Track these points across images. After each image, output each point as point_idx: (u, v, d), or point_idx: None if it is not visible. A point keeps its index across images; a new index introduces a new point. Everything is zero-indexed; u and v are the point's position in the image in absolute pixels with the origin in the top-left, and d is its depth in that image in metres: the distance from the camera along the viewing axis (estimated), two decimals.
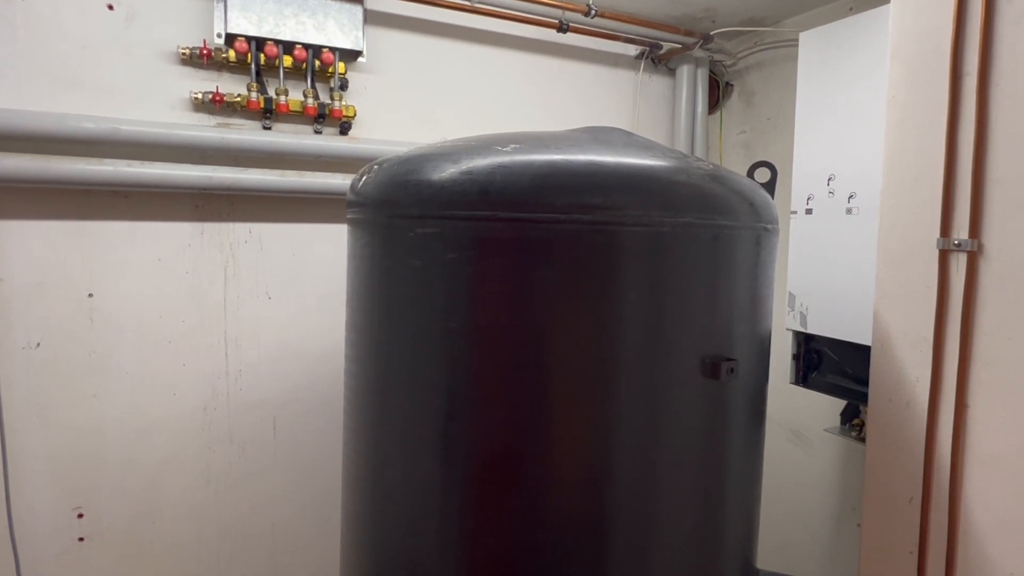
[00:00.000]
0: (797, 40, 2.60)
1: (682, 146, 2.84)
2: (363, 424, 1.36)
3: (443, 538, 1.20)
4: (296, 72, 2.08)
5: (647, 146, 1.28)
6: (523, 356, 1.13)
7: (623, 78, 2.79)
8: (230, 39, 1.95)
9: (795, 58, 2.69)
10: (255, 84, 1.99)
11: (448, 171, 1.15)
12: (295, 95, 2.07)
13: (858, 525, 2.50)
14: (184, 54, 1.93)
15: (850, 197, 1.98)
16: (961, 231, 1.16)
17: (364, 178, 1.31)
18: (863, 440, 2.29)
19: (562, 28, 2.43)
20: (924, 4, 1.21)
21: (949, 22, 1.16)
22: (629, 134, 1.37)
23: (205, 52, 1.92)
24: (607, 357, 1.13)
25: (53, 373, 1.91)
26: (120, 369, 1.99)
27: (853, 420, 2.33)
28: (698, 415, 1.21)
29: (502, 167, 1.11)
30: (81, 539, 1.99)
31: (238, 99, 1.98)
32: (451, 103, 2.41)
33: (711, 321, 1.20)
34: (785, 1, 2.51)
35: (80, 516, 1.98)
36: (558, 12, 2.40)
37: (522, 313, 1.12)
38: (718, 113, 3.01)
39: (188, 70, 1.98)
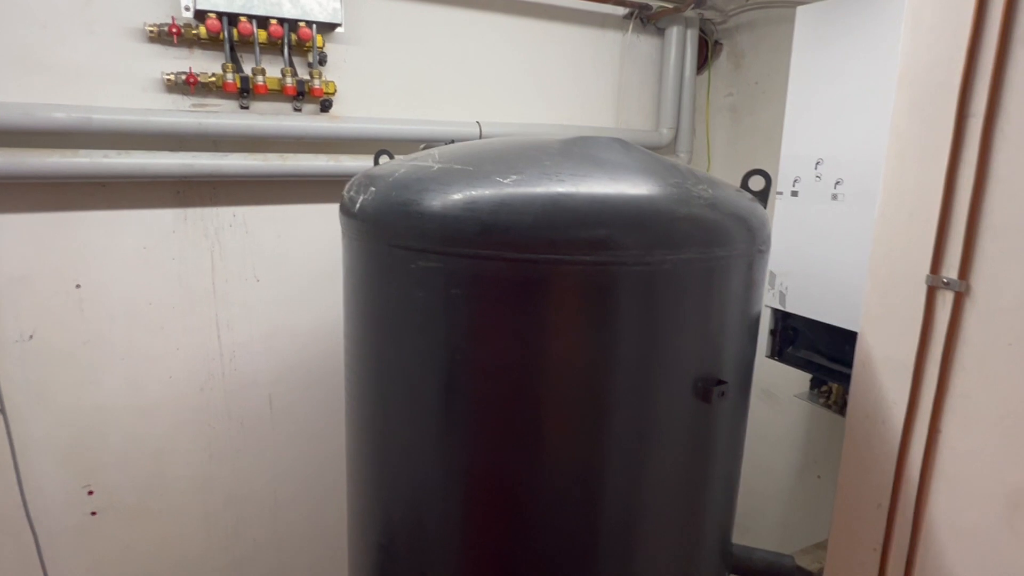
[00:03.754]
0: (788, 1, 2.53)
1: (669, 110, 2.80)
2: (364, 442, 1.43)
3: (444, 552, 1.30)
4: (272, 47, 1.98)
5: (645, 165, 1.27)
6: (523, 389, 1.17)
7: (610, 39, 2.70)
8: (200, 15, 1.83)
9: (787, 20, 2.63)
10: (230, 64, 1.89)
11: (449, 202, 1.15)
12: (272, 73, 1.98)
13: (818, 477, 2.72)
14: (152, 32, 1.81)
15: (836, 183, 2.00)
16: (951, 270, 1.18)
17: (361, 197, 1.30)
18: (829, 406, 2.46)
19: None
20: (937, 35, 1.17)
21: (961, 58, 1.13)
22: (627, 147, 1.36)
23: (174, 29, 1.81)
24: (603, 389, 1.18)
25: (49, 363, 1.92)
26: (115, 355, 2.01)
27: (821, 387, 2.48)
28: (688, 433, 1.28)
29: (504, 204, 1.11)
30: (94, 513, 2.08)
31: (213, 79, 1.89)
32: (436, 72, 2.33)
33: (703, 346, 1.24)
34: None
35: (90, 493, 2.06)
36: None
37: (523, 348, 1.16)
38: (706, 74, 2.95)
39: (157, 48, 1.87)
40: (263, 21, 1.89)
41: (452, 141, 1.86)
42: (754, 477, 2.94)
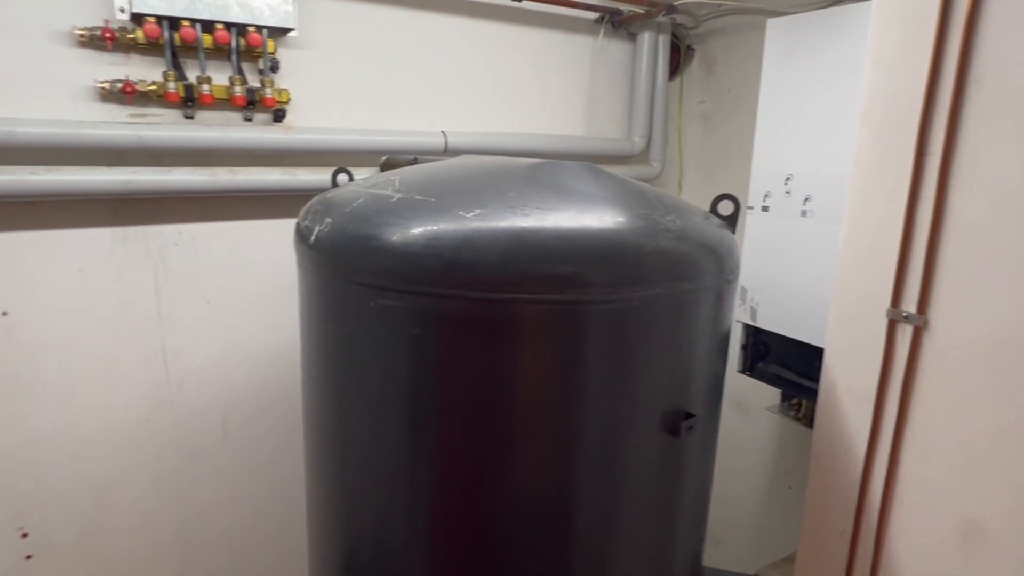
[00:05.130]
0: (762, 10, 2.49)
1: (641, 117, 2.74)
2: (325, 479, 1.33)
3: None
4: (219, 54, 1.83)
5: (613, 194, 1.20)
6: (489, 431, 1.12)
7: (581, 44, 2.62)
8: (137, 18, 1.68)
9: (760, 28, 2.59)
10: (172, 72, 1.74)
11: (410, 238, 1.06)
12: (219, 81, 1.83)
13: (789, 487, 2.72)
14: (82, 36, 1.65)
15: (806, 199, 1.98)
16: (910, 304, 1.20)
17: (317, 228, 1.19)
18: (799, 420, 2.46)
19: None
20: (897, 70, 1.17)
21: (920, 96, 1.14)
22: (596, 173, 1.28)
23: (108, 34, 1.65)
24: (571, 429, 1.13)
25: None
26: (48, 388, 1.85)
27: (791, 400, 2.47)
28: (658, 466, 1.25)
29: (468, 241, 1.03)
30: (29, 556, 1.92)
31: (153, 87, 1.74)
32: (398, 78, 2.21)
33: (671, 381, 1.20)
34: None
35: (24, 535, 1.90)
36: None
37: (488, 390, 1.10)
38: (678, 80, 2.90)
39: (90, 54, 1.71)
40: (208, 25, 1.75)
41: (415, 159, 1.76)
42: (727, 488, 2.93)
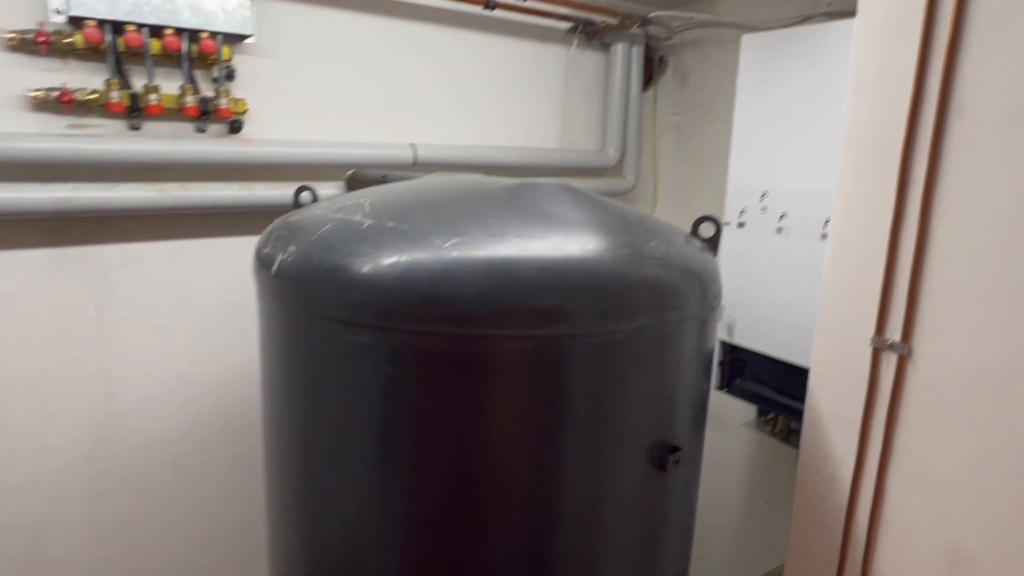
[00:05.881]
0: (734, 23, 2.48)
1: (615, 129, 2.70)
2: (288, 520, 1.22)
3: None
4: (169, 60, 1.69)
5: (595, 219, 1.12)
6: (467, 475, 1.04)
7: (553, 54, 2.56)
8: (76, 22, 1.53)
9: (733, 41, 2.58)
10: (115, 80, 1.60)
11: (382, 270, 0.96)
12: (169, 89, 1.70)
13: (765, 502, 2.70)
14: (12, 39, 1.50)
15: (781, 216, 1.96)
16: (894, 333, 1.18)
17: (279, 256, 1.08)
18: (775, 435, 2.44)
19: (489, 5, 2.14)
20: (880, 97, 1.16)
21: (902, 124, 1.12)
22: (575, 195, 1.21)
23: (42, 39, 1.50)
24: (554, 470, 1.06)
25: None
26: None
27: (767, 416, 2.46)
28: (644, 501, 1.19)
29: (445, 274, 0.94)
30: None
31: (94, 96, 1.59)
32: (364, 88, 2.10)
33: (657, 413, 1.15)
34: None
35: None
36: None
37: (466, 432, 1.02)
38: (651, 91, 2.87)
39: (21, 59, 1.55)
40: (156, 30, 1.61)
41: (384, 176, 1.66)
42: (704, 503, 2.87)
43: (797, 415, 2.04)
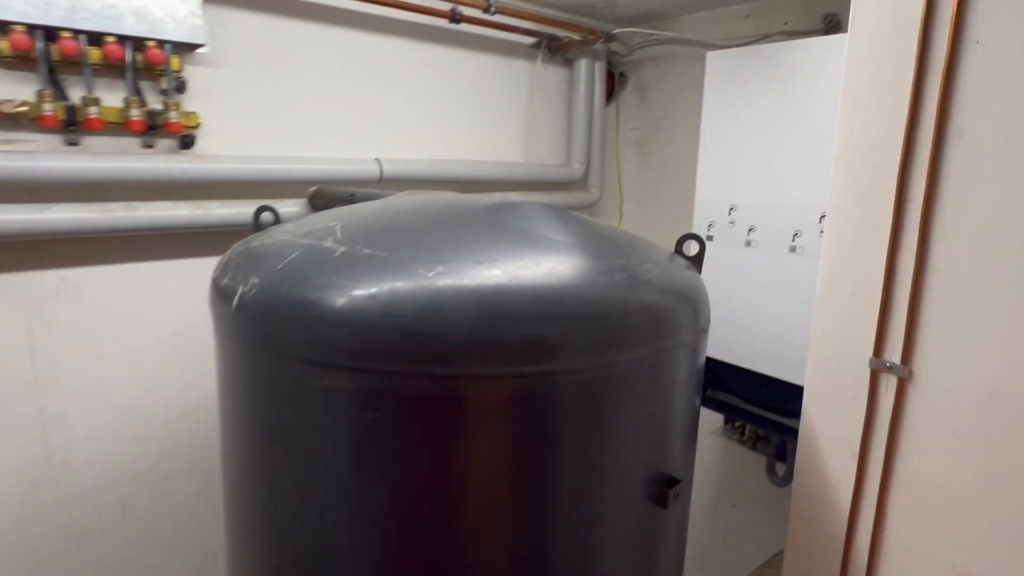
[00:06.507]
0: (693, 40, 2.50)
1: (579, 144, 2.68)
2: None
3: None
4: (112, 70, 1.56)
5: (584, 240, 1.07)
6: (457, 529, 0.95)
7: (518, 68, 2.52)
8: (2, 27, 1.39)
9: (691, 58, 2.61)
10: (49, 91, 1.46)
11: (359, 304, 0.88)
12: (112, 101, 1.56)
13: (732, 506, 2.73)
14: None
15: (750, 230, 1.97)
16: (893, 354, 1.16)
17: (240, 288, 0.98)
18: (743, 443, 2.46)
19: (454, 19, 2.09)
20: (874, 116, 1.14)
21: (899, 143, 1.10)
22: (560, 215, 1.15)
23: None
24: (550, 517, 0.98)
25: None
26: None
27: (735, 424, 2.48)
28: (641, 537, 1.13)
29: (432, 307, 0.86)
30: None
31: (23, 108, 1.45)
32: (325, 100, 2.00)
33: (654, 444, 1.09)
34: None
35: None
36: (450, 4, 2.06)
37: (456, 481, 0.93)
38: (614, 105, 2.87)
39: None
40: (96, 38, 1.48)
41: (352, 195, 1.57)
42: None
43: (766, 424, 2.06)
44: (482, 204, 1.14)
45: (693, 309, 1.12)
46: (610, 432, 0.99)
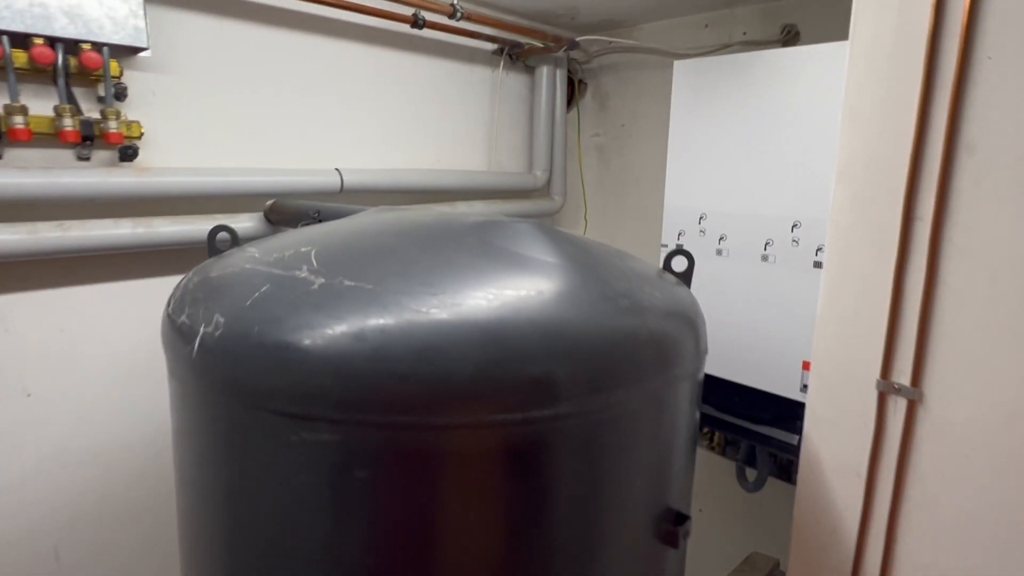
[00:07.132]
0: (654, 49, 2.51)
1: (542, 151, 2.64)
2: None
3: None
4: (41, 75, 1.40)
5: (580, 263, 1.01)
6: None
7: (480, 75, 2.45)
8: None
9: (651, 66, 2.62)
10: None
11: (345, 346, 0.79)
12: (41, 110, 1.40)
13: (700, 510, 2.76)
14: None
15: (720, 239, 1.97)
16: (902, 376, 1.13)
17: (202, 329, 0.87)
18: (712, 449, 2.48)
19: (417, 24, 2.00)
20: (877, 132, 1.11)
21: (905, 161, 1.08)
22: (551, 235, 1.09)
23: None
24: (559, 566, 0.92)
25: None
26: None
27: (704, 431, 2.50)
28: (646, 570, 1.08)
29: (430, 349, 0.78)
30: None
31: None
32: (281, 109, 1.88)
33: (660, 479, 1.04)
34: (644, 7, 2.37)
35: None
36: (412, 9, 1.97)
37: (456, 540, 0.85)
38: (574, 112, 2.84)
39: None
40: (21, 39, 1.32)
41: (318, 213, 1.46)
42: None
43: (737, 431, 2.08)
44: (467, 224, 1.06)
45: (695, 334, 1.08)
46: (618, 475, 0.93)
